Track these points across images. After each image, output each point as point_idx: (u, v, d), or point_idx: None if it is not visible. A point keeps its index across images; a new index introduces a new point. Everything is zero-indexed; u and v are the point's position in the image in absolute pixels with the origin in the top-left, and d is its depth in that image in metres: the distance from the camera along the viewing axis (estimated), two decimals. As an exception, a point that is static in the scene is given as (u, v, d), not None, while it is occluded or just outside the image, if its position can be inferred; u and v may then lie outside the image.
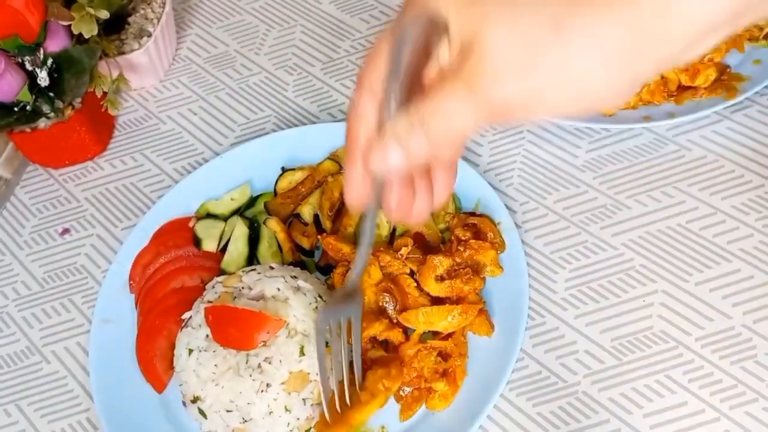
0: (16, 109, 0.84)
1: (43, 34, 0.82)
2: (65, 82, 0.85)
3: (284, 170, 0.86)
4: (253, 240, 0.80)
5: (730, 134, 0.81)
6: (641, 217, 0.77)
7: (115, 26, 0.96)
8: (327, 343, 0.64)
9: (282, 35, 1.04)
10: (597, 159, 0.82)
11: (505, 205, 0.78)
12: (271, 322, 0.67)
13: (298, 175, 0.84)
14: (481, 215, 0.77)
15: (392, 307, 0.71)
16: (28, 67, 0.83)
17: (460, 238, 0.74)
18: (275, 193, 0.84)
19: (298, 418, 0.67)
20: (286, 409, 0.66)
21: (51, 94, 0.85)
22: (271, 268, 0.73)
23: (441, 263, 0.71)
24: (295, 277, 0.72)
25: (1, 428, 0.76)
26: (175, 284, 0.78)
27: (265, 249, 0.80)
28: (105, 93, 0.90)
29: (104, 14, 0.85)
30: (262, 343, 0.67)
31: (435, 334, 0.70)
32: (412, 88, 0.45)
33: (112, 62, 0.92)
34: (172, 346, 0.72)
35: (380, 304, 0.71)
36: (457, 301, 0.70)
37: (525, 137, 0.86)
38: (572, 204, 0.80)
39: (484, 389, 0.67)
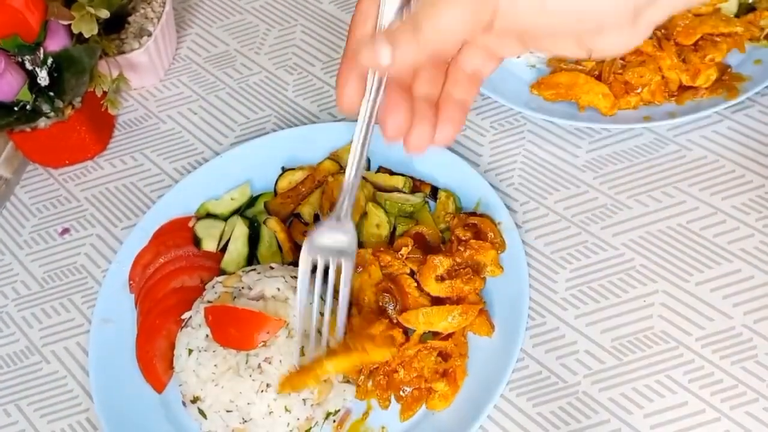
0: (16, 108, 0.84)
1: (43, 34, 0.82)
2: (65, 82, 0.85)
3: (284, 170, 0.85)
4: (253, 240, 0.80)
5: (730, 134, 0.81)
6: (642, 217, 0.77)
7: (115, 25, 0.95)
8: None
9: (282, 35, 1.04)
10: (598, 159, 0.82)
11: (506, 205, 0.78)
12: (271, 322, 0.67)
13: (299, 175, 0.84)
14: (481, 215, 0.77)
15: (392, 308, 0.71)
16: (28, 66, 0.83)
17: (460, 238, 0.74)
18: (275, 192, 0.84)
19: (298, 419, 0.67)
20: (286, 410, 0.66)
21: (51, 93, 0.85)
22: (271, 268, 0.73)
23: (441, 263, 0.71)
24: (295, 277, 0.71)
25: (0, 428, 0.76)
26: (175, 284, 0.78)
27: (265, 249, 0.80)
28: (105, 92, 0.90)
29: (104, 13, 0.85)
30: (262, 343, 0.66)
31: (435, 335, 0.70)
32: None
33: (112, 62, 0.92)
34: (172, 346, 0.72)
35: (380, 304, 0.71)
36: (458, 301, 0.70)
37: (525, 137, 0.86)
38: (573, 204, 0.80)
39: (485, 389, 0.67)
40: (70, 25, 0.83)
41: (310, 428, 0.68)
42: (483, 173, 0.83)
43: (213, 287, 0.73)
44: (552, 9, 0.40)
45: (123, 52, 0.94)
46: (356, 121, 0.50)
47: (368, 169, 0.84)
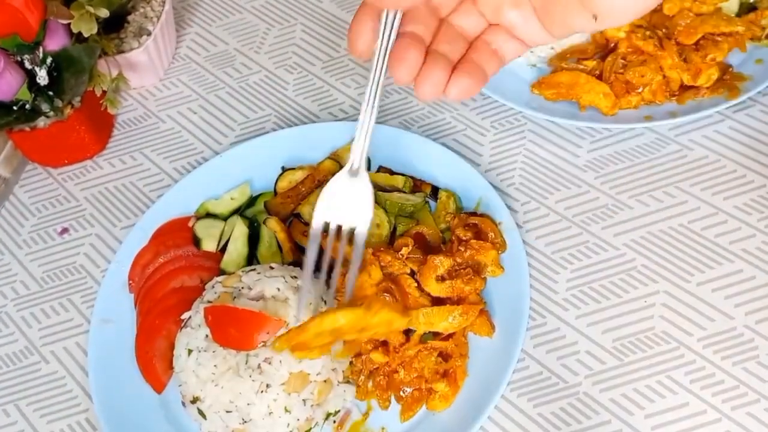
0: (15, 108, 0.84)
1: (42, 33, 0.82)
2: (64, 81, 0.85)
3: (284, 169, 0.85)
4: (253, 240, 0.80)
5: (732, 134, 0.81)
6: (643, 217, 0.77)
7: (114, 25, 0.95)
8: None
9: (282, 34, 1.04)
10: (599, 159, 0.82)
11: (507, 204, 0.78)
12: (271, 322, 0.66)
13: (299, 175, 0.84)
14: (482, 215, 0.77)
15: (393, 308, 0.71)
16: (28, 65, 0.83)
17: (461, 238, 0.74)
18: (275, 192, 0.84)
19: (298, 419, 0.66)
20: (286, 410, 0.66)
21: (50, 92, 0.85)
22: (271, 268, 0.73)
23: (442, 263, 0.71)
24: (295, 277, 0.71)
25: (0, 428, 0.76)
26: (175, 284, 0.78)
27: (265, 249, 0.79)
28: (104, 92, 0.90)
29: (104, 13, 0.84)
30: (262, 344, 0.66)
31: (436, 335, 0.70)
32: None
33: (111, 61, 0.92)
34: (172, 347, 0.72)
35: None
36: (458, 301, 0.70)
37: (526, 137, 0.85)
38: (574, 204, 0.79)
39: (485, 390, 0.67)
40: (69, 24, 0.83)
41: (310, 429, 0.68)
42: (484, 173, 0.82)
43: (213, 287, 0.72)
44: None
45: (122, 52, 0.94)
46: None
47: (369, 169, 0.84)
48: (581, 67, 0.86)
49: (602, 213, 0.78)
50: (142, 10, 0.97)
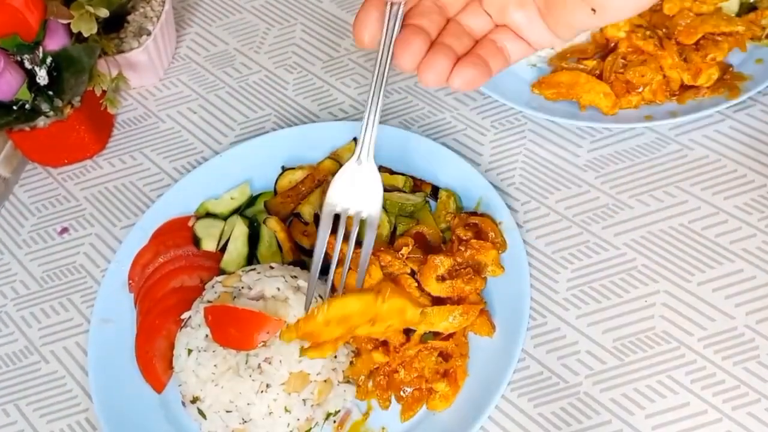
0: (15, 107, 0.84)
1: (42, 33, 0.82)
2: (64, 81, 0.85)
3: (284, 169, 0.85)
4: (253, 239, 0.80)
5: (732, 134, 0.81)
6: (643, 217, 0.77)
7: (114, 25, 0.95)
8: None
9: (282, 34, 1.03)
10: (599, 158, 0.82)
11: (507, 204, 0.78)
12: (271, 322, 0.66)
13: (299, 174, 0.84)
14: (482, 215, 0.76)
15: (393, 307, 0.71)
16: (28, 65, 0.83)
17: (461, 237, 0.74)
18: (275, 192, 0.84)
19: (298, 419, 0.66)
20: (286, 410, 0.66)
21: (50, 92, 0.85)
22: (271, 267, 0.73)
23: (442, 263, 0.70)
24: (295, 276, 0.71)
25: (0, 428, 0.76)
26: (175, 284, 0.78)
27: (265, 248, 0.79)
28: (104, 92, 0.90)
29: (104, 13, 0.84)
30: (262, 343, 0.66)
31: (436, 335, 0.70)
32: None
33: (111, 61, 0.92)
34: (172, 346, 0.72)
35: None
36: (458, 301, 0.70)
37: (527, 136, 0.85)
38: (574, 204, 0.79)
39: (486, 390, 0.67)
40: (69, 24, 0.83)
41: (311, 429, 0.68)
42: (484, 173, 0.82)
43: (213, 287, 0.72)
44: None
45: (122, 51, 0.94)
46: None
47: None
48: (581, 66, 0.86)
49: (602, 213, 0.78)
50: (142, 10, 0.97)
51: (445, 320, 0.68)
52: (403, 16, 0.50)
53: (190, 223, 0.83)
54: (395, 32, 0.49)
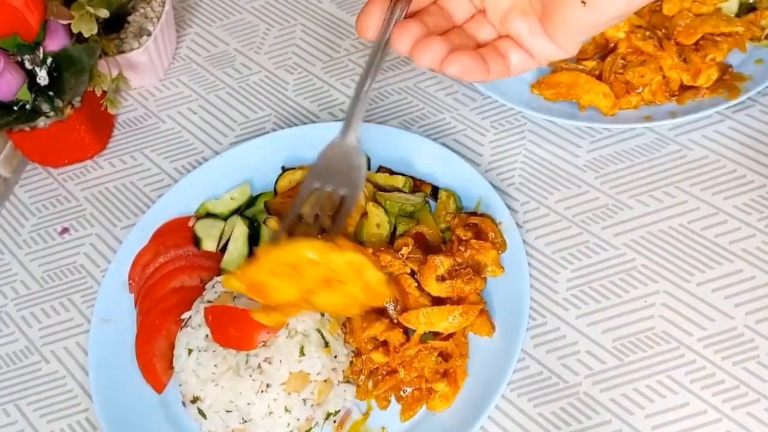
0: (15, 108, 0.84)
1: (42, 33, 0.82)
2: (65, 81, 0.85)
3: (284, 169, 0.85)
4: (253, 239, 0.80)
5: (732, 134, 0.81)
6: (643, 217, 0.77)
7: (114, 25, 0.95)
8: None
9: (282, 34, 1.04)
10: (598, 159, 0.82)
11: (507, 204, 0.78)
12: (271, 322, 0.66)
13: (299, 175, 0.84)
14: (482, 215, 0.77)
15: (393, 308, 0.71)
16: (28, 66, 0.83)
17: (461, 237, 0.74)
18: (275, 192, 0.84)
19: (298, 419, 0.66)
20: (286, 410, 0.66)
21: (50, 93, 0.85)
22: (271, 267, 0.73)
23: (442, 263, 0.71)
24: (295, 276, 0.71)
25: (0, 428, 0.76)
26: (175, 284, 0.78)
27: (265, 249, 0.79)
28: (104, 92, 0.90)
29: (104, 13, 0.84)
30: (262, 343, 0.66)
31: (436, 335, 0.70)
32: None
33: (111, 61, 0.92)
34: (172, 346, 0.72)
35: (381, 304, 0.71)
36: (458, 301, 0.70)
37: (526, 137, 0.85)
38: (574, 204, 0.79)
39: (485, 390, 0.67)
40: (69, 24, 0.83)
41: (311, 428, 0.68)
42: (484, 173, 0.82)
43: (213, 287, 0.72)
44: None
45: (122, 52, 0.94)
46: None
47: (369, 168, 0.84)
48: (581, 67, 0.86)
49: (602, 213, 0.78)
50: (142, 10, 0.97)
51: (445, 320, 0.68)
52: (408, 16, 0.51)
53: (191, 223, 0.83)
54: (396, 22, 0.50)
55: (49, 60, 0.84)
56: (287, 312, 0.60)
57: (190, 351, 0.68)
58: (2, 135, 0.92)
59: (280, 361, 0.66)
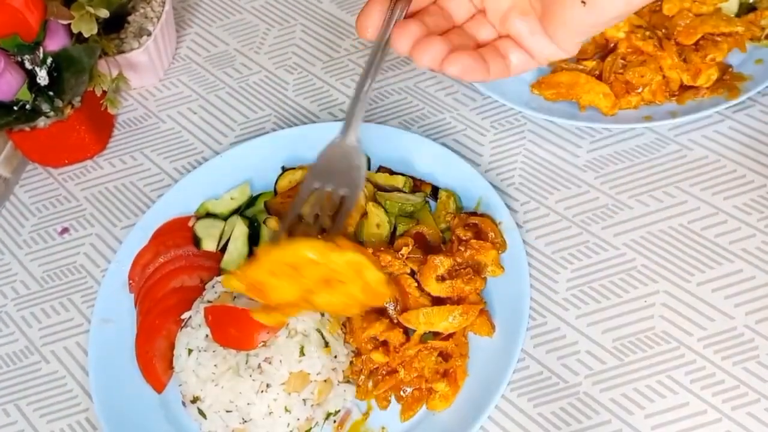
0: (15, 108, 0.84)
1: (42, 33, 0.82)
2: (65, 81, 0.85)
3: (284, 169, 0.85)
4: (253, 240, 0.80)
5: (732, 134, 0.81)
6: (643, 217, 0.77)
7: (114, 25, 0.95)
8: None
9: (282, 34, 1.04)
10: (598, 159, 0.82)
11: (507, 204, 0.78)
12: (271, 322, 0.66)
13: (299, 175, 0.84)
14: (482, 215, 0.77)
15: (393, 308, 0.71)
16: (28, 66, 0.83)
17: (461, 237, 0.74)
18: (275, 192, 0.84)
19: (298, 419, 0.66)
20: (286, 410, 0.66)
21: (50, 93, 0.85)
22: (271, 267, 0.73)
23: (442, 263, 0.71)
24: (295, 276, 0.71)
25: (0, 428, 0.76)
26: (175, 284, 0.78)
27: (265, 249, 0.79)
28: (104, 92, 0.90)
29: (104, 13, 0.84)
30: (262, 343, 0.66)
31: (436, 335, 0.70)
32: None
33: (111, 61, 0.92)
34: (172, 346, 0.72)
35: (381, 304, 0.71)
36: (458, 301, 0.70)
37: (526, 137, 0.85)
38: (574, 204, 0.79)
39: (485, 390, 0.67)
40: (69, 24, 0.83)
41: (311, 428, 0.68)
42: (484, 173, 0.82)
43: (213, 287, 0.72)
44: None
45: (123, 52, 0.94)
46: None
47: (369, 168, 0.84)
48: (581, 67, 0.86)
49: (602, 213, 0.78)
50: (142, 10, 0.97)
51: (445, 320, 0.68)
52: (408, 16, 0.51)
53: (191, 223, 0.83)
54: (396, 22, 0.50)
55: (49, 60, 0.84)
56: (287, 312, 0.60)
57: (190, 351, 0.68)
58: (2, 135, 0.92)
59: (280, 361, 0.66)
